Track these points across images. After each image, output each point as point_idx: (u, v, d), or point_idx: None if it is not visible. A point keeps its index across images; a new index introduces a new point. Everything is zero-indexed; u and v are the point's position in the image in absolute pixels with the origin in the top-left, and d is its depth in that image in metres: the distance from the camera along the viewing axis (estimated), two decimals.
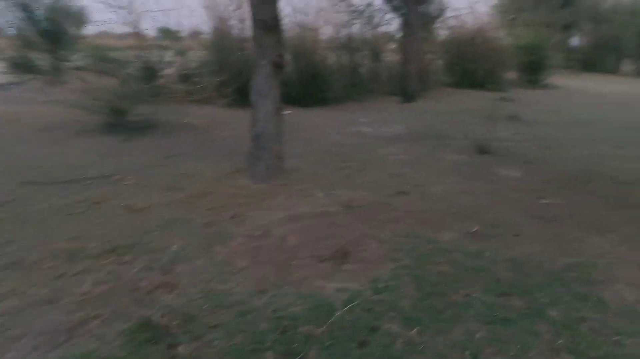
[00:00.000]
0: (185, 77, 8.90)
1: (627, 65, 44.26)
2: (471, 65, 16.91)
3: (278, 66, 4.41)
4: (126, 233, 3.44)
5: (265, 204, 4.06)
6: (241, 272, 2.93)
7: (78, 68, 9.23)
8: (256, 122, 4.49)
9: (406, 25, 11.46)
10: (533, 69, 18.90)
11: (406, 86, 11.75)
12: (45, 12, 11.34)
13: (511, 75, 19.20)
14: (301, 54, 10.13)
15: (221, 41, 9.81)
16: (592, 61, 35.45)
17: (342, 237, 3.43)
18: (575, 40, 30.66)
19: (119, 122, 6.82)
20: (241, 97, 9.25)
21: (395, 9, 14.91)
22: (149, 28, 9.94)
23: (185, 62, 9.64)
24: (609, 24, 33.28)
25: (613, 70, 39.97)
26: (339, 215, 3.88)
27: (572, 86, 20.86)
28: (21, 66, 10.87)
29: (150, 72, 9.02)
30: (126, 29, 8.47)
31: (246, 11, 9.93)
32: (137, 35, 8.54)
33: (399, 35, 14.80)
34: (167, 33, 10.89)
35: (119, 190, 4.42)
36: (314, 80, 9.98)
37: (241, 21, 9.92)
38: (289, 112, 9.32)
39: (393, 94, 13.16)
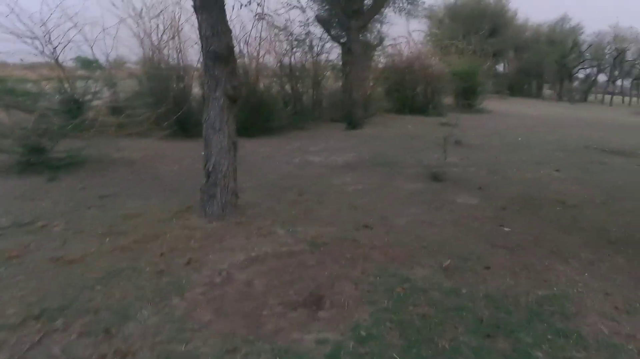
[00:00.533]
0: (117, 109, 8.37)
1: (547, 90, 47.86)
2: (411, 91, 17.43)
3: (232, 99, 4.17)
4: (56, 292, 2.94)
5: (223, 245, 3.75)
6: (205, 328, 2.62)
7: None
8: (209, 158, 4.19)
9: (349, 54, 11.55)
10: (468, 95, 19.75)
11: (351, 113, 11.80)
12: None
13: (448, 100, 19.97)
14: (244, 83, 9.89)
15: (155, 71, 9.40)
16: (516, 86, 38.03)
17: (313, 279, 3.20)
18: (500, 67, 32.52)
19: (38, 160, 6.18)
20: (180, 128, 8.88)
21: (334, 38, 15.15)
22: (70, 58, 9.13)
23: (115, 93, 9.10)
24: (531, 52, 35.89)
25: (535, 95, 43.07)
26: (305, 254, 3.64)
27: (503, 110, 22.05)
28: None
29: (74, 105, 8.42)
30: (41, 59, 7.74)
31: (182, 40, 9.67)
32: (56, 65, 7.87)
33: (339, 63, 15.02)
34: (86, 63, 10.21)
35: (44, 240, 3.85)
36: (258, 109, 9.76)
37: (177, 50, 9.60)
38: None
39: (336, 121, 13.23)
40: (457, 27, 26.57)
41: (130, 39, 9.87)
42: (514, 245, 4.05)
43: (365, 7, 11.71)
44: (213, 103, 4.11)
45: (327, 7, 14.03)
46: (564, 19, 38.84)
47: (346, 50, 14.69)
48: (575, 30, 38.08)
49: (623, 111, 34.73)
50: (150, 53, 9.59)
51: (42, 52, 7.57)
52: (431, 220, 4.64)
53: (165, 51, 9.61)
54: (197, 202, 4.63)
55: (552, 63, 37.62)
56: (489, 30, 29.37)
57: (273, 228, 4.16)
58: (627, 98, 45.06)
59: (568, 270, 3.58)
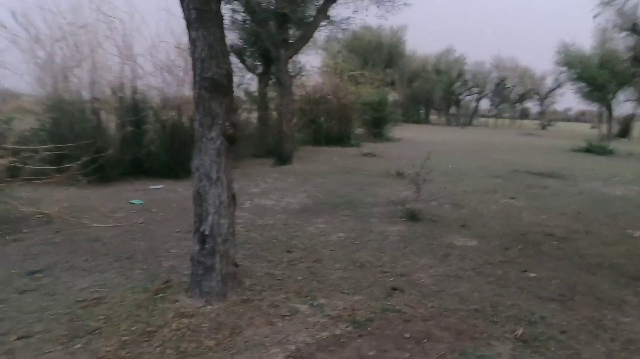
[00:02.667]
0: (14, 151, 6.72)
1: (434, 116, 51.75)
2: (326, 122, 17.20)
3: (231, 139, 3.26)
4: None
5: (246, 338, 2.79)
6: None
7: None
8: (204, 218, 3.21)
9: (278, 85, 10.88)
10: (378, 124, 20.09)
11: (281, 148, 11.07)
12: None
13: (358, 130, 20.13)
14: (166, 118, 8.75)
15: (59, 104, 7.89)
16: (407, 114, 40.41)
17: None
18: (394, 96, 34.06)
19: None
20: (99, 171, 7.44)
21: (250, 69, 14.43)
22: None
23: (6, 131, 7.40)
24: (420, 80, 38.43)
25: (424, 121, 46.31)
26: (355, 339, 2.83)
27: (408, 137, 22.83)
28: None
29: None
30: None
31: (92, 69, 8.30)
32: None
33: (257, 94, 14.31)
34: None
35: None
36: (183, 146, 8.61)
37: (91, 82, 8.19)
38: (161, 186, 7.84)
39: (258, 156, 12.41)
40: (355, 59, 27.33)
41: (24, 66, 8.14)
42: (556, 295, 3.66)
43: (291, 37, 11.16)
44: (207, 146, 3.16)
45: (245, 36, 13.34)
46: (449, 51, 42.40)
47: (265, 81, 14.08)
48: (459, 61, 41.68)
49: (509, 132, 38.49)
50: (53, 83, 8.02)
51: None
52: (453, 272, 4.08)
53: (72, 80, 8.08)
54: (180, 275, 3.58)
55: (440, 91, 40.61)
56: (385, 62, 30.70)
57: (291, 304, 3.27)
58: (507, 121, 50.39)
59: (633, 320, 3.23)
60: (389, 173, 9.97)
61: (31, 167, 6.14)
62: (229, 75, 3.18)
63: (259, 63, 14.60)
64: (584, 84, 30.38)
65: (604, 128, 34.55)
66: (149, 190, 7.72)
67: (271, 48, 10.54)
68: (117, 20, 8.23)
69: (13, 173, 5.67)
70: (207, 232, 3.19)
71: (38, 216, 5.46)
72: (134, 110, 8.64)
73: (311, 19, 10.88)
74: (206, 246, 3.20)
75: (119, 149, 7.79)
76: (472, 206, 7.00)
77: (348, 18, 11.52)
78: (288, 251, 4.47)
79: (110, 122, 8.54)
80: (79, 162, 5.79)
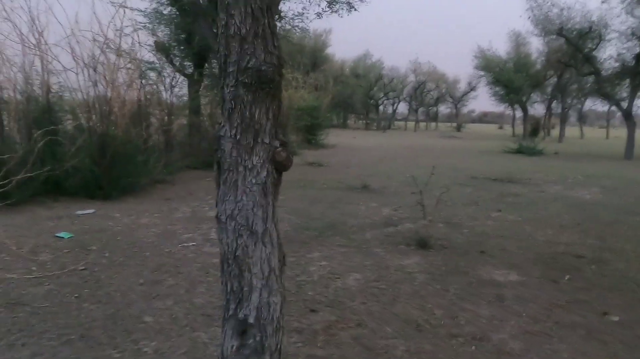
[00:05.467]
0: None
1: (352, 120, 52.08)
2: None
3: (283, 168, 2.07)
4: None
5: None
6: None
7: None
8: (245, 297, 1.97)
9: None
10: (312, 130, 19.21)
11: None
12: None
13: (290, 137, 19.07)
14: (94, 127, 7.08)
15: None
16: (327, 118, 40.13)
17: None
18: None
19: None
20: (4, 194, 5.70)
21: (178, 70, 12.88)
22: None
23: None
24: (340, 85, 38.12)
25: (343, 125, 46.36)
26: None
27: (341, 143, 22.18)
28: None
29: None
30: None
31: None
32: None
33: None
34: None
35: None
36: (117, 161, 7.03)
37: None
38: (91, 211, 6.26)
39: (192, 169, 10.91)
40: None
41: None
42: None
43: None
44: (247, 179, 1.96)
45: (173, 32, 11.75)
46: (366, 55, 42.72)
47: (196, 83, 12.60)
48: (377, 65, 42.13)
49: (429, 135, 39.54)
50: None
51: None
52: (531, 327, 3.20)
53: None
54: None
55: (359, 95, 40.75)
56: (309, 65, 29.92)
57: None
58: (423, 124, 52.01)
59: None
60: (353, 187, 9.05)
61: None
62: (280, 65, 1.99)
63: (190, 63, 13.02)
64: (499, 87, 31.94)
65: (510, 129, 36.69)
66: (76, 216, 6.07)
67: (213, 45, 9.12)
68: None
69: None
70: (251, 319, 1.97)
71: None
72: (46, 114, 6.88)
73: None
74: (249, 341, 1.97)
75: (31, 164, 6.02)
76: (466, 224, 6.29)
77: (302, 14, 10.39)
78: (312, 311, 3.31)
79: (15, 130, 6.69)
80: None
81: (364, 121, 50.32)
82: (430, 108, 52.20)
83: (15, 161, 5.82)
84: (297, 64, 28.50)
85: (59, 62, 6.97)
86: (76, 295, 3.36)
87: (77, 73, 7.09)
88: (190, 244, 4.91)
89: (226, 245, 1.99)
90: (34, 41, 6.64)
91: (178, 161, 9.21)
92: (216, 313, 3.13)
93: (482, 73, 33.47)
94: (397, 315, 3.26)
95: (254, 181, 1.97)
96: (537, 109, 36.59)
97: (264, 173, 1.99)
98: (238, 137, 1.95)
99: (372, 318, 3.20)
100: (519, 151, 18.49)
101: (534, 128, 34.82)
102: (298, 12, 10.36)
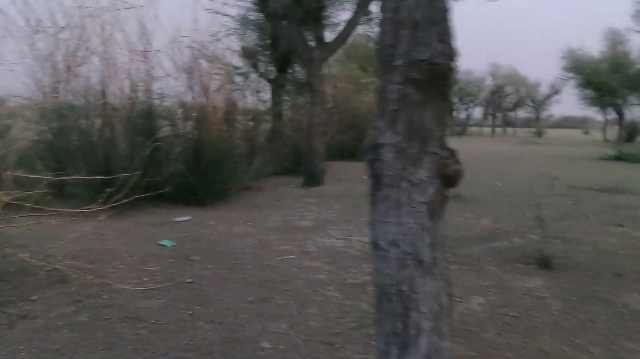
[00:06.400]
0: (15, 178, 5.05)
1: None
2: (340, 135, 15.75)
3: (451, 182, 1.72)
4: None
5: None
6: None
7: None
8: (411, 341, 1.64)
9: (310, 92, 9.33)
10: None
11: (312, 166, 9.50)
12: None
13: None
14: (189, 132, 7.12)
15: (67, 112, 6.25)
16: None
17: None
18: None
19: None
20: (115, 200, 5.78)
21: (262, 75, 12.93)
22: None
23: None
24: None
25: None
26: None
27: None
28: None
29: None
30: None
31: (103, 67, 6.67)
32: None
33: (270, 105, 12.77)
34: None
35: None
36: (211, 167, 7.01)
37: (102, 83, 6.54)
38: (187, 218, 6.24)
39: (277, 175, 10.80)
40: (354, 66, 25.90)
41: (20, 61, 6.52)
42: None
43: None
44: (411, 197, 1.62)
45: (259, 37, 11.81)
46: None
47: (279, 88, 12.59)
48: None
49: (509, 141, 37.66)
50: (53, 82, 6.38)
51: None
52: None
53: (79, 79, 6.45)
54: None
55: None
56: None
57: None
58: (500, 130, 49.61)
59: None
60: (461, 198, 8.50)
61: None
62: (453, 58, 1.64)
63: (273, 67, 13.06)
64: (590, 90, 29.56)
65: (599, 134, 33.88)
66: (173, 223, 6.09)
67: (302, 49, 9.00)
68: (133, 8, 6.66)
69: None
70: None
71: (47, 269, 3.78)
72: (149, 120, 7.03)
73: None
74: None
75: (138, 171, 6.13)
76: (585, 240, 5.59)
77: None
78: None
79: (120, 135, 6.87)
80: (105, 193, 4.07)
81: None
82: (508, 112, 49.61)
83: (126, 167, 5.93)
84: (371, 69, 28.11)
85: (162, 68, 7.12)
86: (189, 312, 3.21)
87: (176, 79, 7.21)
88: (290, 257, 4.68)
89: (387, 276, 1.67)
90: (141, 48, 6.81)
91: (263, 167, 9.15)
92: (336, 340, 2.84)
93: (570, 75, 31.17)
94: (547, 352, 2.79)
95: (420, 199, 1.64)
96: (635, 113, 33.38)
97: (432, 190, 1.65)
98: (403, 145, 1.63)
99: (518, 355, 2.75)
100: (618, 158, 16.85)
101: (630, 133, 31.84)
102: None
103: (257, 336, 2.91)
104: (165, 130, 7.34)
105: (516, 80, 44.36)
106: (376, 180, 1.71)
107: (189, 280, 3.88)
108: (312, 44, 9.35)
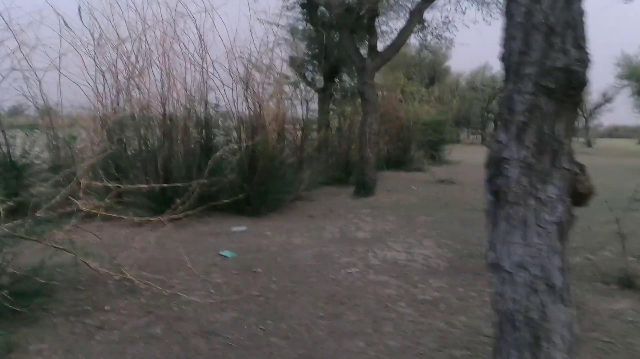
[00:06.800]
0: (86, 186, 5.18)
1: (465, 135, 49.56)
2: (387, 145, 15.57)
3: (581, 200, 1.57)
4: None
5: None
6: None
7: None
8: None
9: (363, 101, 9.23)
10: (435, 145, 18.41)
11: (364, 176, 9.37)
12: None
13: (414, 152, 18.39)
14: (245, 142, 7.14)
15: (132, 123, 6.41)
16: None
17: None
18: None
19: None
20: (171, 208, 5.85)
21: (310, 84, 12.93)
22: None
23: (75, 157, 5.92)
24: (458, 99, 36.54)
25: (457, 140, 44.25)
26: None
27: (465, 159, 20.94)
28: None
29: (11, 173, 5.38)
30: None
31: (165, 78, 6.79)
32: None
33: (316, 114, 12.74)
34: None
35: None
36: (266, 177, 7.00)
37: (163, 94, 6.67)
38: (244, 228, 6.22)
39: (326, 185, 10.70)
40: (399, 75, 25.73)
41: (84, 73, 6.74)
42: None
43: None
44: (540, 216, 1.47)
45: (312, 46, 11.83)
46: (485, 67, 40.58)
47: (327, 97, 12.56)
48: (497, 78, 39.76)
49: None
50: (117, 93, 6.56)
51: None
52: None
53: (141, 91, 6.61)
54: None
55: (475, 109, 38.73)
56: (428, 79, 29.09)
57: None
58: None
59: None
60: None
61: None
62: (588, 65, 1.49)
63: (321, 77, 13.06)
64: None
65: None
66: (230, 233, 6.09)
67: (354, 58, 8.92)
68: (192, 19, 6.78)
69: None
70: None
71: (116, 278, 3.81)
72: (206, 130, 7.15)
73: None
74: None
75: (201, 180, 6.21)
76: None
77: (447, 22, 9.78)
78: None
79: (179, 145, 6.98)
80: (170, 202, 4.09)
81: (480, 136, 47.69)
82: None
83: (181, 176, 6.01)
84: (415, 78, 27.84)
85: (218, 78, 7.21)
86: (262, 327, 3.14)
87: (232, 89, 7.28)
88: (353, 270, 4.56)
89: (513, 302, 1.52)
90: (199, 59, 6.93)
91: (313, 177, 9.10)
92: None
93: (625, 82, 29.75)
94: None
95: (550, 218, 1.49)
96: None
97: (562, 209, 1.50)
98: (531, 160, 1.49)
99: None
100: None
101: None
102: (443, 21, 9.71)
103: (334, 354, 2.80)
104: (221, 140, 7.40)
105: None
106: (498, 197, 1.58)
107: (256, 293, 3.82)
108: (364, 52, 9.27)
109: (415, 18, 8.65)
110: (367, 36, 9.01)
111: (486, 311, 3.51)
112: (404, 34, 8.75)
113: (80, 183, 3.54)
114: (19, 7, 6.30)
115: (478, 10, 9.32)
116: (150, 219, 3.96)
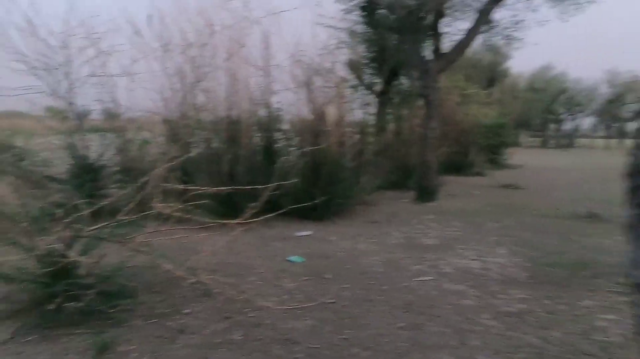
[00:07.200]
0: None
1: (525, 138, 47.69)
2: (448, 148, 15.12)
3: None
4: None
5: None
6: None
7: None
8: None
9: (425, 103, 9.00)
10: (495, 149, 17.74)
11: (426, 181, 9.12)
12: None
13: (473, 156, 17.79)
14: (313, 144, 7.11)
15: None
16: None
17: None
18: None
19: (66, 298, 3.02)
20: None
21: (367, 87, 12.78)
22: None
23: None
24: (518, 100, 35.14)
25: (517, 144, 42.59)
26: None
27: (527, 163, 20.11)
28: None
29: (88, 176, 5.57)
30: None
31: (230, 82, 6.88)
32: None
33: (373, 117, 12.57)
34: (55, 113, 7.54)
35: None
36: (333, 180, 6.93)
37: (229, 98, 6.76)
38: (309, 233, 6.16)
39: (385, 188, 10.49)
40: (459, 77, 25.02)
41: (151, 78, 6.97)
42: None
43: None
44: None
45: (371, 49, 11.71)
46: (547, 67, 38.94)
47: (384, 100, 12.38)
48: (558, 78, 38.09)
49: (627, 154, 34.09)
50: (183, 98, 6.73)
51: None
52: None
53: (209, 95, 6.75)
54: None
55: (536, 111, 37.18)
56: (486, 80, 28.17)
57: None
58: (614, 141, 45.02)
59: None
60: (576, 214, 7.70)
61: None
62: None
63: (379, 80, 12.90)
64: None
65: None
66: (295, 237, 6.06)
67: (417, 60, 8.71)
68: (256, 23, 6.84)
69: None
70: None
71: (190, 281, 3.83)
72: (268, 133, 7.19)
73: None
74: None
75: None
76: None
77: (518, 22, 9.32)
78: None
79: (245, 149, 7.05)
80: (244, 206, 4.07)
81: (541, 138, 45.71)
82: (626, 123, 45.05)
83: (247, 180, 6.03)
84: (473, 79, 27.00)
85: (281, 82, 7.25)
86: (341, 336, 3.04)
87: (294, 93, 7.29)
88: (427, 278, 4.38)
89: None
90: (262, 63, 6.99)
91: (373, 181, 8.95)
92: None
93: None
94: None
95: None
96: None
97: None
98: None
99: None
100: None
101: None
102: (512, 21, 9.23)
103: None
104: (287, 144, 7.43)
105: (639, 87, 40.15)
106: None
107: (331, 300, 3.73)
108: (427, 54, 9.04)
109: (484, 18, 8.31)
110: (431, 38, 8.77)
111: (581, 327, 3.26)
112: (471, 34, 8.44)
113: (158, 186, 3.58)
114: (96, 16, 6.62)
115: (553, 7, 8.80)
116: (225, 222, 3.93)
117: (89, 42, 6.47)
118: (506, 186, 11.80)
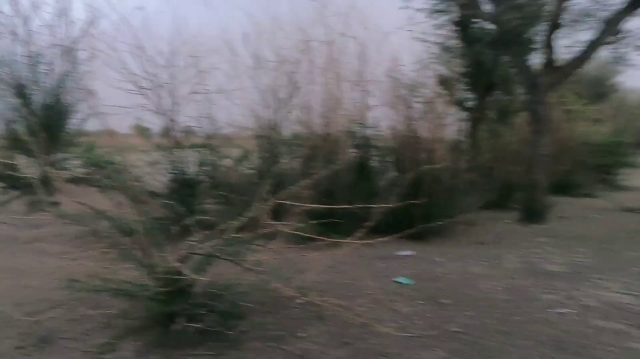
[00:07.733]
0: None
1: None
2: (554, 167, 13.89)
3: None
4: None
5: None
6: None
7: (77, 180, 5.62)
8: None
9: (534, 119, 8.24)
10: (608, 169, 16.09)
11: (534, 201, 8.28)
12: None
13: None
14: (412, 159, 6.71)
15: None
16: None
17: None
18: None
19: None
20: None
21: (457, 103, 12.07)
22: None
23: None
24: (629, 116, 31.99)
25: (634, 164, 38.65)
26: None
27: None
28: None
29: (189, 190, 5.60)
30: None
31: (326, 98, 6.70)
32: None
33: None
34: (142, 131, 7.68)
35: None
36: (433, 198, 6.44)
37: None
38: (410, 253, 5.69)
39: (482, 207, 9.66)
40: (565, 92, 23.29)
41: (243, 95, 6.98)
42: None
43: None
44: None
45: (465, 64, 11.11)
46: None
47: (479, 116, 11.64)
48: None
49: None
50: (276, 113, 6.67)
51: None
52: None
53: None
54: None
55: None
56: (594, 96, 25.96)
57: None
58: None
59: None
60: None
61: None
62: None
63: (472, 95, 12.21)
64: None
65: None
66: (396, 256, 5.63)
67: (524, 74, 8.02)
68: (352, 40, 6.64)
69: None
70: None
71: (299, 301, 3.54)
72: (364, 149, 6.91)
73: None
74: None
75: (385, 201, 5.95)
76: None
77: None
78: None
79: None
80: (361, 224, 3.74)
81: None
82: None
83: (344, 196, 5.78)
84: (578, 94, 24.97)
85: (376, 97, 6.98)
86: None
87: (390, 109, 6.97)
88: (567, 311, 3.74)
89: None
90: (358, 79, 6.76)
91: (472, 200, 8.28)
92: None
93: None
94: None
95: None
96: None
97: None
98: None
99: None
100: None
101: None
102: None
103: None
104: (383, 161, 7.11)
105: None
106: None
107: (457, 329, 3.25)
108: (535, 67, 8.30)
109: (611, 28, 7.43)
110: (542, 51, 8.02)
111: None
112: (593, 46, 7.56)
113: (271, 203, 3.37)
114: (194, 37, 6.77)
115: None
116: (339, 241, 3.62)
117: (191, 61, 6.59)
118: (630, 210, 10.46)
